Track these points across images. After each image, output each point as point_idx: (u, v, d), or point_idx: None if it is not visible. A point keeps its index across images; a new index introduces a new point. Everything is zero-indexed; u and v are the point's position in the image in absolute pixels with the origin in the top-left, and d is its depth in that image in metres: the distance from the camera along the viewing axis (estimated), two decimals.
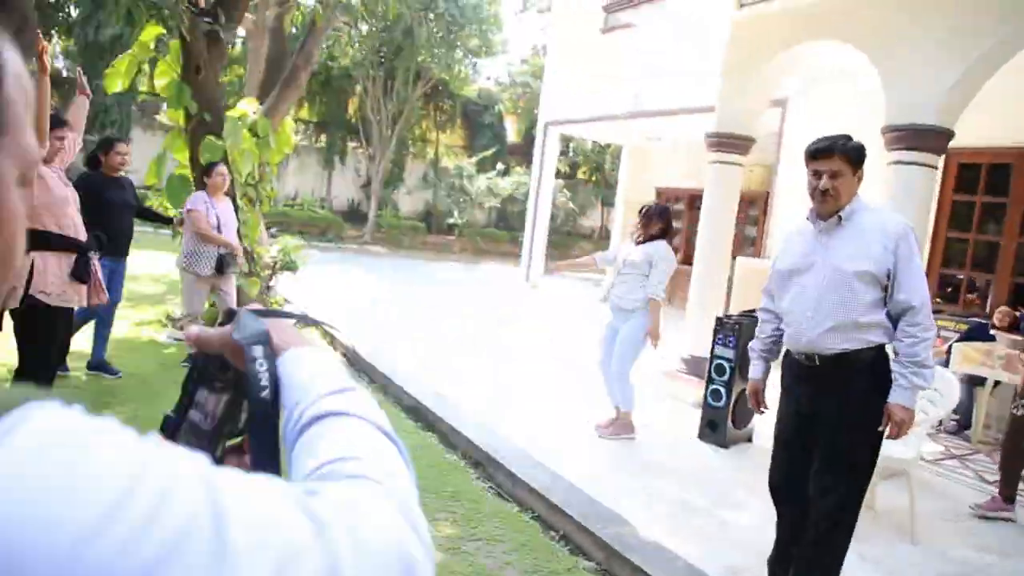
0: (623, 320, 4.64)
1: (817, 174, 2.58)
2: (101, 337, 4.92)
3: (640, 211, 4.76)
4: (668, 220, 4.70)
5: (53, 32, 16.31)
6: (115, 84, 5.98)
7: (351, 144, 21.66)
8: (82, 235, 3.63)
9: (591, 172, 23.11)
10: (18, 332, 3.53)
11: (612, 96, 10.68)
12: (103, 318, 4.89)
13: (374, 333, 7.05)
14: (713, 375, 4.79)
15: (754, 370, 2.98)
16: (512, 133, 23.55)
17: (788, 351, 2.80)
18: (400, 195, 21.94)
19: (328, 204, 21.55)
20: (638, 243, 4.67)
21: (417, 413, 4.94)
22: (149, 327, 6.56)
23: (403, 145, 21.45)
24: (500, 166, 20.11)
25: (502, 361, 6.71)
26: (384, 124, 19.06)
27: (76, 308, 3.83)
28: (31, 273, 3.39)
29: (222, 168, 5.35)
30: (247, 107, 7.18)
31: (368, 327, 7.31)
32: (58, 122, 3.56)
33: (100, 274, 3.82)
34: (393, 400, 5.23)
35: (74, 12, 17.06)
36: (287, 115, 7.36)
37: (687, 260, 7.28)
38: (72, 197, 3.61)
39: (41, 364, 3.57)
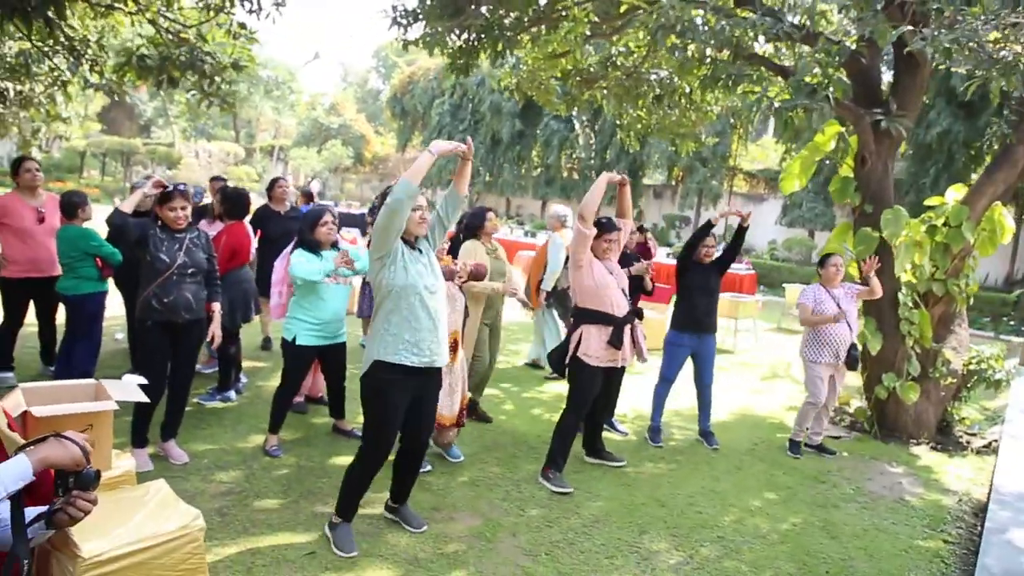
0: None
1: None
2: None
3: None
4: None
5: None
6: (791, 185, 6.62)
7: None
8: (620, 312, 4.37)
9: None
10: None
11: None
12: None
13: None
14: None
15: None
16: None
17: None
18: None
19: None
20: None
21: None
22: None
23: None
24: None
25: None
26: None
27: None
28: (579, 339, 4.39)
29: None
30: (951, 194, 6.57)
31: None
32: (612, 227, 4.45)
33: (640, 342, 4.52)
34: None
35: None
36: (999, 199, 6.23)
37: None
38: (617, 282, 4.45)
39: (574, 408, 4.47)
